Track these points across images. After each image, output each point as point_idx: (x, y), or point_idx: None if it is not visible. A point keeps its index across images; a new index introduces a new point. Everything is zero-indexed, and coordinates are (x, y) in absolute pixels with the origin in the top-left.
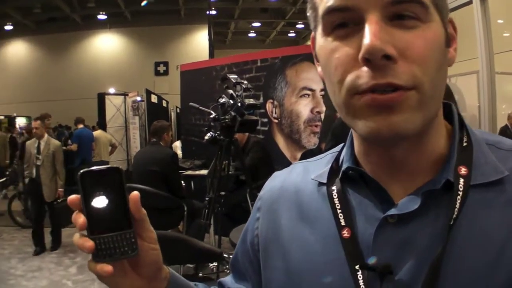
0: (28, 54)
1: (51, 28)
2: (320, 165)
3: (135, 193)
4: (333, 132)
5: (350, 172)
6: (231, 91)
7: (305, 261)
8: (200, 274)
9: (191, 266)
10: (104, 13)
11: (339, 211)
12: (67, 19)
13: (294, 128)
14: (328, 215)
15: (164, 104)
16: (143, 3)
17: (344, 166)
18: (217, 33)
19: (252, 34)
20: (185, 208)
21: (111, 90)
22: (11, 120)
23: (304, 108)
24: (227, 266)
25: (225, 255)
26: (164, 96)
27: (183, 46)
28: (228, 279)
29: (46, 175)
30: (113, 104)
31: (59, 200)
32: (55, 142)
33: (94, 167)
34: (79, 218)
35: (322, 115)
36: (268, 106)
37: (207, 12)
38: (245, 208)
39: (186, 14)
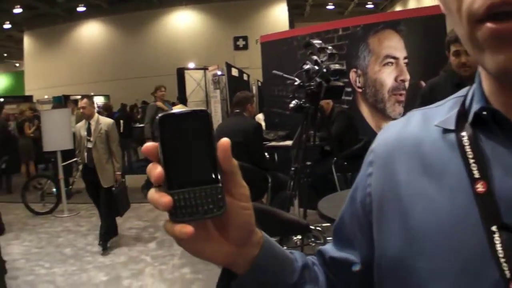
0: (102, 34)
1: (124, 7)
2: (442, 111)
3: (225, 140)
4: (422, 97)
5: (484, 113)
6: (315, 57)
7: (429, 221)
8: (284, 247)
9: (275, 239)
10: None
11: (471, 161)
12: None
13: (379, 97)
14: (457, 166)
15: (245, 78)
16: None
17: (475, 107)
18: (295, 6)
19: (330, 7)
20: (269, 180)
21: (191, 65)
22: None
23: (388, 76)
24: (312, 239)
25: (311, 227)
26: (245, 70)
27: (261, 20)
28: (329, 247)
29: (100, 158)
30: (193, 78)
31: (116, 185)
32: (107, 121)
33: (176, 110)
34: (155, 169)
35: (407, 84)
36: (352, 75)
37: None
38: (330, 180)
39: None
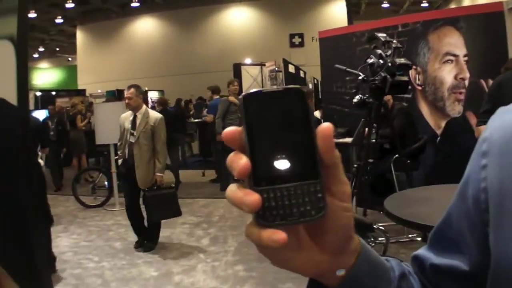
0: (157, 29)
1: (178, 3)
2: None
3: (327, 124)
4: (490, 94)
5: None
6: (379, 51)
7: None
8: None
9: None
10: None
11: None
12: None
13: (438, 95)
14: None
15: (301, 75)
16: None
17: None
18: (351, 4)
19: (385, 5)
20: None
21: (247, 61)
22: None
23: (448, 74)
24: (372, 239)
25: (374, 226)
26: (301, 68)
27: (317, 17)
28: (427, 253)
29: (141, 155)
30: (250, 74)
31: (154, 187)
32: (156, 115)
33: (265, 89)
34: (239, 159)
35: (466, 82)
36: (411, 72)
37: None
38: (389, 179)
39: None
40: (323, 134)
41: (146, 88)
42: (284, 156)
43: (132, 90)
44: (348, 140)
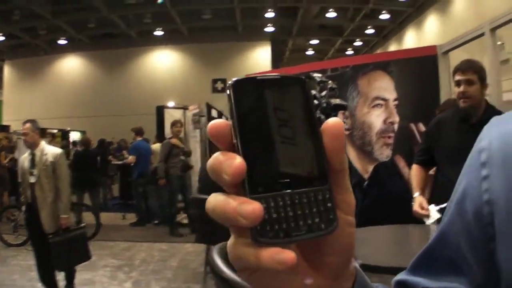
0: (83, 69)
1: (106, 43)
2: None
3: (336, 121)
4: (427, 132)
5: None
6: (314, 91)
7: None
8: None
9: None
10: (160, 29)
11: None
12: (123, 35)
13: (366, 140)
14: None
15: (224, 120)
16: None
17: None
18: (274, 51)
19: (310, 52)
20: None
21: (170, 104)
22: (64, 134)
23: (376, 118)
24: None
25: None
26: (223, 113)
27: (240, 63)
28: (414, 278)
29: (44, 196)
30: (173, 117)
31: (60, 232)
32: (55, 151)
33: (259, 75)
34: (232, 159)
35: (396, 126)
36: (339, 117)
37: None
38: None
39: (244, 31)
40: (333, 131)
41: (69, 128)
42: (285, 157)
43: (28, 125)
44: None
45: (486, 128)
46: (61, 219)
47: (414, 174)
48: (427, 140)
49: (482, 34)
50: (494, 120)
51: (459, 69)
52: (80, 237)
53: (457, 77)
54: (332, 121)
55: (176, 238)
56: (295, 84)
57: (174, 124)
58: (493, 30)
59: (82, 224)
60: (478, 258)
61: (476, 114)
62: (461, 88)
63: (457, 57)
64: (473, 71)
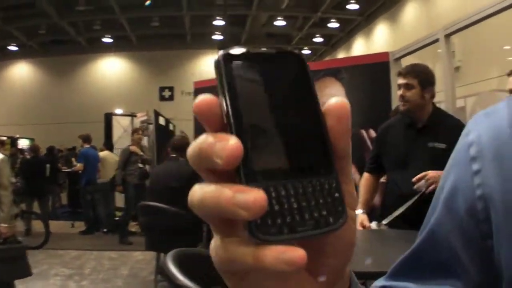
0: (32, 75)
1: (56, 50)
2: None
3: (341, 101)
4: (376, 139)
5: None
6: None
7: None
8: None
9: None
10: (109, 36)
11: None
12: (73, 42)
13: None
14: None
15: (171, 128)
16: (147, 3)
17: None
18: None
19: None
20: (204, 229)
21: (118, 111)
22: (13, 141)
23: None
24: None
25: None
26: (170, 121)
27: (188, 71)
28: (401, 284)
29: None
30: (121, 125)
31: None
32: None
33: (252, 48)
34: (225, 140)
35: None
36: None
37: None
38: None
39: (192, 39)
40: (338, 112)
41: (18, 135)
42: (285, 140)
43: None
44: None
45: (471, 122)
46: (1, 228)
47: (362, 185)
48: (375, 147)
49: (436, 40)
50: (480, 114)
51: (400, 73)
52: (19, 250)
53: (398, 81)
54: (337, 100)
55: (125, 246)
56: (294, 59)
57: (135, 131)
58: (447, 36)
59: (20, 239)
60: (474, 257)
61: (421, 119)
62: (400, 92)
63: (409, 63)
64: (413, 75)
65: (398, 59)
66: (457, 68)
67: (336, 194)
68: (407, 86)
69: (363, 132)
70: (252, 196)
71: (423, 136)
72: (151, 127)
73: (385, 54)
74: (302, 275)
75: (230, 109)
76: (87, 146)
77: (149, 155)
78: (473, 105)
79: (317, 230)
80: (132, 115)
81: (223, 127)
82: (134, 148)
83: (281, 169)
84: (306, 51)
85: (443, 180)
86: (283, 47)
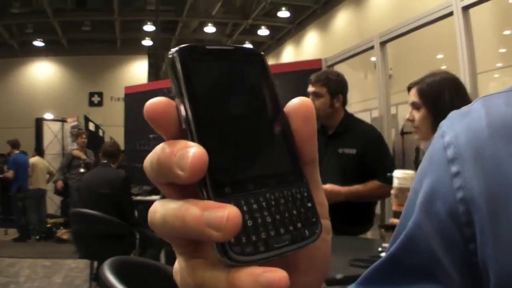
0: None
1: None
2: None
3: (304, 100)
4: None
5: None
6: None
7: None
8: None
9: None
10: (41, 40)
11: None
12: (5, 45)
13: None
14: None
15: (101, 134)
16: None
17: None
18: (152, 65)
19: None
20: (137, 236)
21: (48, 116)
22: None
23: None
24: None
25: None
26: (100, 126)
27: (118, 77)
28: None
29: None
30: (51, 130)
31: None
32: None
33: (209, 44)
34: (187, 147)
35: None
36: None
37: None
38: None
39: (122, 44)
40: (304, 113)
41: None
42: (251, 146)
43: None
44: (156, 197)
45: (445, 123)
46: None
47: None
48: None
49: (371, 48)
50: (454, 114)
51: (309, 80)
52: None
53: (308, 89)
54: (300, 100)
55: (58, 254)
56: (253, 57)
57: (79, 135)
58: (382, 44)
59: None
60: (455, 261)
61: (332, 126)
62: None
63: (342, 71)
64: (321, 84)
65: (331, 66)
66: (389, 76)
67: (309, 204)
68: (315, 94)
69: None
70: (225, 214)
71: (333, 142)
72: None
73: (318, 61)
74: None
75: (189, 113)
76: (16, 151)
77: (92, 159)
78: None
79: (294, 245)
80: (63, 120)
81: (182, 134)
82: (77, 153)
83: (250, 180)
84: None
85: (416, 184)
86: (240, 45)
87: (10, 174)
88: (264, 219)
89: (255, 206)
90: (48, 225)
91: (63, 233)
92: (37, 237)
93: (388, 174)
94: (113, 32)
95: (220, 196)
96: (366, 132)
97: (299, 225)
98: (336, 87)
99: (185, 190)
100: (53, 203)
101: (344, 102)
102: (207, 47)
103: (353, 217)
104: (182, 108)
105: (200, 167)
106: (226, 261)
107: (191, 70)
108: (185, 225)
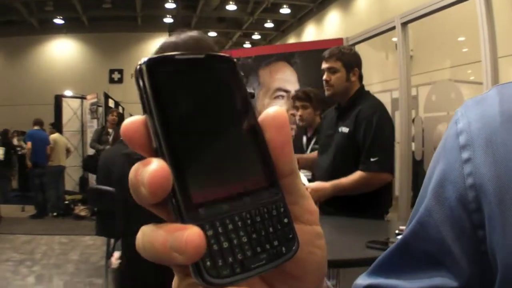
0: None
1: (8, 31)
2: None
3: (277, 109)
4: (318, 128)
5: None
6: None
7: None
8: None
9: None
10: (61, 17)
11: None
12: (25, 23)
13: None
14: None
15: (120, 111)
16: None
17: None
18: None
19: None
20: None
21: (68, 93)
22: None
23: None
24: None
25: None
26: (120, 103)
27: (139, 54)
28: (386, 281)
29: None
30: (70, 107)
31: None
32: None
33: (176, 53)
34: (148, 164)
35: (298, 118)
36: None
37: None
38: None
39: (143, 22)
40: (276, 123)
41: None
42: (224, 161)
43: None
44: None
45: (461, 110)
46: None
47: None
48: (322, 132)
49: (392, 28)
50: (470, 101)
51: (322, 57)
52: None
53: (322, 66)
54: (273, 110)
55: (76, 231)
56: (224, 64)
57: (110, 113)
58: (404, 24)
59: None
60: (464, 248)
61: (344, 102)
62: (324, 76)
63: (363, 51)
64: (335, 58)
65: (352, 46)
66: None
67: (285, 220)
68: (330, 70)
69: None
70: (188, 234)
71: (340, 119)
72: (101, 109)
73: (340, 40)
74: None
75: (157, 128)
76: (36, 128)
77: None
78: (429, 94)
79: (271, 263)
80: (82, 97)
81: (155, 153)
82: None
83: (224, 199)
84: (256, 36)
85: (430, 170)
86: (210, 52)
87: (28, 145)
88: (240, 240)
89: (230, 226)
90: (66, 202)
91: (81, 210)
92: (55, 213)
93: (372, 159)
94: (133, 10)
95: (193, 218)
96: (363, 111)
97: (275, 243)
98: (350, 60)
99: (156, 208)
100: (71, 179)
101: (361, 77)
102: (177, 57)
103: (364, 201)
104: (149, 122)
105: (159, 185)
106: (203, 284)
107: (157, 82)
108: (155, 251)
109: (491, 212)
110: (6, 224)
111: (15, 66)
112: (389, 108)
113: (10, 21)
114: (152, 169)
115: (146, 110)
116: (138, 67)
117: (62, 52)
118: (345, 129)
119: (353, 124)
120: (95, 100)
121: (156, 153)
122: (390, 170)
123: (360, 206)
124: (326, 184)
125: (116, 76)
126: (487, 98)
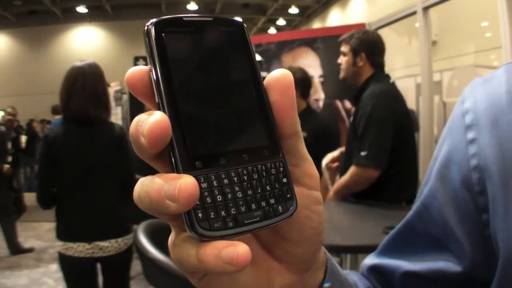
0: (8, 47)
1: (31, 21)
2: None
3: (282, 72)
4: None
5: None
6: None
7: None
8: None
9: None
10: (84, 6)
11: None
12: (48, 12)
13: None
14: None
15: None
16: None
17: None
18: None
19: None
20: None
21: None
22: None
23: None
24: None
25: None
26: None
27: None
28: (391, 261)
29: None
30: None
31: None
32: None
33: (184, 15)
34: (149, 115)
35: (321, 103)
36: None
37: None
38: None
39: (167, 8)
40: (281, 85)
41: None
42: (225, 119)
43: None
44: None
45: (467, 90)
46: None
47: None
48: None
49: (414, 13)
50: (477, 81)
51: (341, 41)
52: None
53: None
54: (279, 72)
55: None
56: (233, 28)
57: None
58: (425, 9)
59: None
60: (468, 231)
61: (357, 86)
62: (338, 60)
63: (386, 36)
64: (345, 42)
65: (375, 30)
66: (433, 42)
67: (284, 180)
68: (342, 53)
69: (338, 102)
70: (182, 183)
71: (356, 103)
72: (125, 96)
73: (362, 25)
74: (271, 263)
75: (160, 84)
76: (57, 117)
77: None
78: (451, 79)
79: (266, 221)
80: (107, 85)
81: (157, 103)
82: None
83: (222, 153)
84: (281, 22)
85: (437, 150)
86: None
87: None
88: (235, 195)
89: (226, 181)
90: None
91: None
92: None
93: (362, 152)
94: None
95: (190, 170)
96: (363, 99)
97: (272, 201)
98: (358, 45)
99: (154, 159)
100: None
101: (372, 62)
102: (185, 18)
103: (379, 184)
104: (153, 80)
105: (158, 135)
106: (194, 236)
107: (165, 42)
108: (151, 200)
109: (495, 195)
110: (30, 212)
111: (39, 56)
112: (413, 94)
113: (33, 11)
114: (152, 120)
115: (151, 64)
116: (146, 27)
117: (86, 40)
118: (352, 119)
119: (355, 114)
120: (119, 87)
121: (158, 107)
122: (378, 165)
123: (375, 191)
124: (330, 193)
125: (141, 63)
126: (495, 76)
